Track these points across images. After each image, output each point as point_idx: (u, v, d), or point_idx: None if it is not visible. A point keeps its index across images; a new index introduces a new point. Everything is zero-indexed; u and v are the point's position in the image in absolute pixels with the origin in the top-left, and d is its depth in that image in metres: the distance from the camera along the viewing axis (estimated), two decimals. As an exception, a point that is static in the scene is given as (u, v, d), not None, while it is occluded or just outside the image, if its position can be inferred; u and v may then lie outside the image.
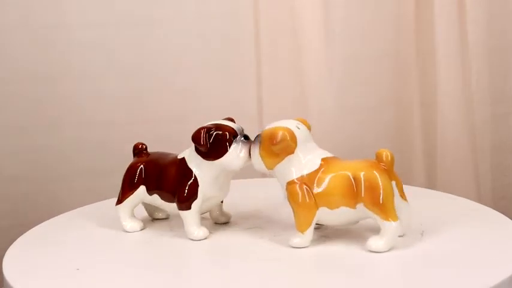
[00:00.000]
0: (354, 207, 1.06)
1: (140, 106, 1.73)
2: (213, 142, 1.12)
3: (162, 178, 1.17)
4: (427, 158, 1.82)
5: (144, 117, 1.73)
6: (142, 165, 1.19)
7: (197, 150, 1.14)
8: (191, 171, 1.14)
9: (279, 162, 1.09)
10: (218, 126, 1.13)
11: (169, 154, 1.20)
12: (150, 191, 1.18)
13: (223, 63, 1.74)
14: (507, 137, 1.85)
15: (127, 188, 1.20)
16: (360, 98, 1.79)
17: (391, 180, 1.06)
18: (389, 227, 1.05)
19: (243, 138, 1.13)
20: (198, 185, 1.14)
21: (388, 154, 1.07)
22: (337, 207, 1.07)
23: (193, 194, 1.14)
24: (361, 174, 1.06)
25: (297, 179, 1.08)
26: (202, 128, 1.13)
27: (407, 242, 1.09)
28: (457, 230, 1.15)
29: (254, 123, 1.74)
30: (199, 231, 1.15)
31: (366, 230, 1.13)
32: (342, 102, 1.77)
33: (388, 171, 1.07)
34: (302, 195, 1.07)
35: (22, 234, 1.23)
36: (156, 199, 1.18)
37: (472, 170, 1.79)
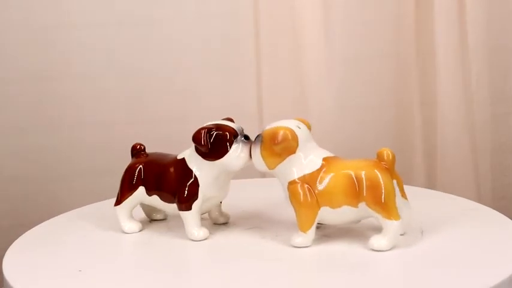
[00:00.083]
0: (356, 206, 1.07)
1: (140, 106, 1.73)
2: (214, 142, 1.12)
3: (161, 179, 1.16)
4: (427, 158, 1.82)
5: (144, 117, 1.73)
6: (141, 166, 1.19)
7: (197, 151, 1.13)
8: (191, 172, 1.14)
9: (280, 162, 1.09)
10: (219, 127, 1.13)
11: (169, 155, 1.19)
12: (149, 191, 1.18)
13: (223, 63, 1.74)
14: (507, 137, 1.85)
15: (126, 188, 1.19)
16: (360, 98, 1.79)
17: (392, 179, 1.06)
18: (392, 226, 1.06)
19: (243, 138, 1.13)
20: (198, 185, 1.13)
21: (389, 153, 1.07)
22: (339, 207, 1.07)
23: (193, 194, 1.13)
24: (363, 173, 1.06)
25: (298, 178, 1.08)
26: (203, 128, 1.12)
27: (408, 241, 1.09)
28: (457, 230, 1.15)
29: (254, 123, 1.74)
30: (200, 232, 1.14)
31: (368, 229, 1.13)
32: (342, 102, 1.77)
33: (390, 170, 1.07)
34: (304, 194, 1.07)
35: (22, 234, 1.23)
36: (155, 200, 1.18)
37: (472, 170, 1.79)
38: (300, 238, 1.09)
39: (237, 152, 1.12)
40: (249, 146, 1.12)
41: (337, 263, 1.05)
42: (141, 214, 1.25)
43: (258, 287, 0.99)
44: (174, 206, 1.15)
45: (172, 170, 1.15)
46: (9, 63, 1.67)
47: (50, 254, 1.13)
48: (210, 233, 1.16)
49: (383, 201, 1.05)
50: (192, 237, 1.14)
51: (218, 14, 1.72)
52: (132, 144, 1.22)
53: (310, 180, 1.07)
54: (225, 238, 1.16)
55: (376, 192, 1.05)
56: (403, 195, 1.08)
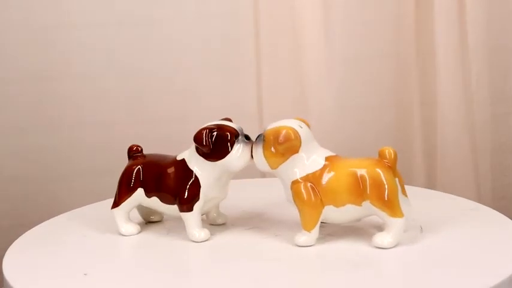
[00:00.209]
0: (360, 205, 1.07)
1: (140, 106, 1.73)
2: (215, 143, 1.11)
3: (161, 180, 1.15)
4: (427, 158, 1.82)
5: (144, 117, 1.73)
6: (139, 168, 1.18)
7: (198, 151, 1.13)
8: (192, 172, 1.13)
9: (283, 162, 1.09)
10: (220, 127, 1.12)
11: (167, 156, 1.18)
12: (148, 193, 1.17)
13: (223, 63, 1.74)
14: (507, 137, 1.85)
15: (124, 190, 1.18)
16: (360, 98, 1.79)
17: (394, 177, 1.07)
18: (396, 223, 1.06)
19: (244, 138, 1.12)
20: (199, 186, 1.13)
21: (391, 152, 1.08)
22: (343, 205, 1.07)
23: (195, 195, 1.13)
24: (366, 171, 1.07)
25: (301, 178, 1.08)
26: (204, 128, 1.12)
27: (409, 239, 1.10)
28: (457, 229, 1.15)
29: (254, 123, 1.74)
30: (201, 233, 1.14)
31: (370, 227, 1.14)
32: (342, 102, 1.77)
33: (392, 168, 1.07)
34: (307, 194, 1.07)
35: (22, 234, 1.23)
36: (154, 201, 1.17)
37: (472, 170, 1.79)
38: (304, 237, 1.09)
39: (238, 152, 1.11)
40: (250, 146, 1.12)
41: (341, 262, 1.05)
42: (138, 216, 1.24)
43: (264, 287, 0.99)
44: (175, 207, 1.14)
45: (172, 171, 1.15)
46: (9, 63, 1.67)
47: (50, 254, 1.13)
48: (211, 234, 1.16)
49: (386, 199, 1.06)
50: (193, 239, 1.14)
51: (218, 14, 1.72)
52: (133, 144, 1.22)
53: (313, 179, 1.08)
54: (225, 238, 1.16)
55: (380, 190, 1.06)
56: (404, 193, 1.09)
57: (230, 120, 1.16)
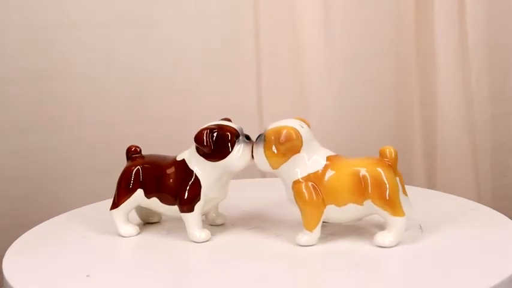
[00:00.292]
0: (362, 204, 1.07)
1: (140, 106, 1.73)
2: (216, 143, 1.11)
3: (161, 181, 1.15)
4: (427, 158, 1.82)
5: (144, 117, 1.73)
6: (139, 168, 1.17)
7: (199, 151, 1.13)
8: (192, 173, 1.13)
9: (284, 162, 1.09)
10: (220, 127, 1.12)
11: (166, 156, 1.18)
12: (148, 194, 1.16)
13: (223, 63, 1.74)
14: (507, 137, 1.85)
15: (123, 191, 1.17)
16: (360, 98, 1.79)
17: (395, 176, 1.07)
18: (397, 222, 1.07)
19: (245, 138, 1.12)
20: (200, 187, 1.13)
21: (392, 151, 1.08)
22: (345, 205, 1.08)
23: (196, 195, 1.13)
24: (368, 170, 1.07)
25: (303, 178, 1.08)
26: (205, 129, 1.12)
27: (409, 237, 1.10)
28: (457, 229, 1.15)
29: (254, 123, 1.74)
30: (202, 234, 1.14)
31: (372, 226, 1.14)
32: (342, 102, 1.77)
33: (393, 167, 1.07)
34: (309, 193, 1.07)
35: (22, 234, 1.23)
36: (154, 202, 1.16)
37: (472, 170, 1.79)
38: (306, 237, 1.09)
39: (239, 153, 1.11)
40: (250, 146, 1.12)
41: (343, 261, 1.05)
42: (135, 218, 1.24)
43: (266, 286, 0.99)
44: (175, 208, 1.14)
45: (172, 171, 1.14)
46: (9, 63, 1.67)
47: (50, 254, 1.13)
48: (212, 235, 1.15)
49: (388, 198, 1.06)
50: (194, 239, 1.14)
51: (218, 14, 1.72)
52: (133, 144, 1.21)
53: (315, 179, 1.08)
54: (226, 239, 1.16)
55: (381, 189, 1.06)
56: (404, 192, 1.09)
57: (229, 120, 1.16)
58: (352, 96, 1.78)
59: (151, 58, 1.72)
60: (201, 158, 1.12)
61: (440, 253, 1.06)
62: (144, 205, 1.18)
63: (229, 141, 1.11)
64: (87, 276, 1.04)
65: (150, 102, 1.73)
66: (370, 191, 1.06)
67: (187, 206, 1.13)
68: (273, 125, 1.10)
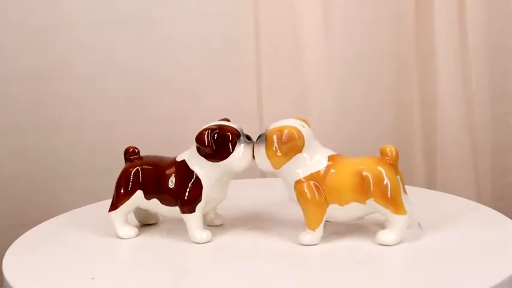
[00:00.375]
0: (364, 203, 1.08)
1: (140, 106, 1.73)
2: (217, 143, 1.11)
3: (162, 182, 1.14)
4: (427, 158, 1.82)
5: (144, 117, 1.73)
6: (138, 169, 1.16)
7: (200, 152, 1.12)
8: (193, 173, 1.13)
9: (286, 162, 1.09)
10: (221, 127, 1.12)
11: (165, 157, 1.17)
12: (148, 195, 1.16)
13: (223, 63, 1.74)
14: (507, 137, 1.85)
15: (122, 193, 1.16)
16: (360, 98, 1.79)
17: (396, 174, 1.08)
18: (399, 220, 1.07)
19: (245, 138, 1.12)
20: (201, 187, 1.12)
21: (393, 149, 1.09)
22: (348, 204, 1.08)
23: (197, 196, 1.12)
24: (369, 169, 1.07)
25: (305, 177, 1.08)
26: (206, 129, 1.11)
27: (410, 236, 1.10)
28: (457, 229, 1.15)
29: (254, 123, 1.74)
30: (203, 234, 1.13)
31: (373, 225, 1.14)
32: (342, 102, 1.77)
33: (394, 166, 1.08)
34: (312, 193, 1.07)
35: (22, 234, 1.22)
36: (154, 204, 1.16)
37: (472, 170, 1.79)
38: (309, 236, 1.09)
39: (240, 153, 1.11)
40: (251, 146, 1.11)
41: (346, 259, 1.05)
42: (133, 220, 1.23)
43: (269, 285, 0.99)
44: (175, 209, 1.14)
45: (173, 172, 1.14)
46: (9, 63, 1.67)
47: (50, 254, 1.13)
48: (213, 235, 1.15)
49: (390, 196, 1.06)
50: (195, 240, 1.13)
51: (218, 14, 1.72)
52: (133, 144, 1.21)
53: (317, 178, 1.08)
54: (226, 239, 1.16)
55: (383, 187, 1.06)
56: (404, 190, 1.09)
57: (228, 121, 1.15)
58: (352, 96, 1.78)
59: (151, 58, 1.72)
60: (202, 158, 1.12)
61: (440, 252, 1.06)
62: (143, 206, 1.18)
63: (231, 141, 1.11)
64: (92, 278, 1.03)
65: (150, 102, 1.73)
66: (372, 190, 1.07)
67: (189, 206, 1.12)
68: (274, 125, 1.10)
